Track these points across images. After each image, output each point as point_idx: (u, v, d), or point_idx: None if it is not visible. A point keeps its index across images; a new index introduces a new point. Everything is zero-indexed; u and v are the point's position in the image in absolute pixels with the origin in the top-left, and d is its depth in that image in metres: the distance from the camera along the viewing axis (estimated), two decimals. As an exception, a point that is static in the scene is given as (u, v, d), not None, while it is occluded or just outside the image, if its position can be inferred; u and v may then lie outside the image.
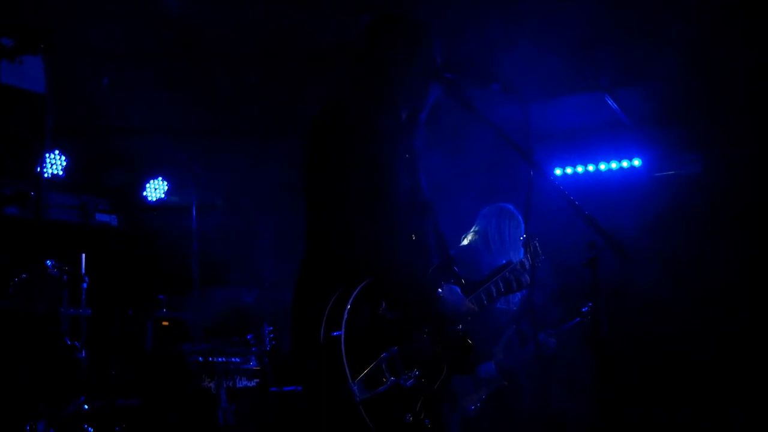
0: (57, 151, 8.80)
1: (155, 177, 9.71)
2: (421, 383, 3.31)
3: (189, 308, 8.28)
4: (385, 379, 3.20)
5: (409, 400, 3.28)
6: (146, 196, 9.73)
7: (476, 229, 5.73)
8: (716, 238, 7.87)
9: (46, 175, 8.57)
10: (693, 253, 7.99)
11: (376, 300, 3.29)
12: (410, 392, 3.27)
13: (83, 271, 7.38)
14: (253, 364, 7.44)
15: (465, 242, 5.72)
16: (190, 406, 7.13)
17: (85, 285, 7.35)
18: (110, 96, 7.48)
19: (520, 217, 5.65)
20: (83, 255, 7.42)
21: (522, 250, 5.52)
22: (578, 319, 5.62)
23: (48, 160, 8.67)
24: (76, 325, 7.26)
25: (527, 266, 3.94)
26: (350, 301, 3.20)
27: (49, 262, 6.86)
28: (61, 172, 8.88)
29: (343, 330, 3.13)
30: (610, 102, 8.01)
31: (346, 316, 3.16)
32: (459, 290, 3.51)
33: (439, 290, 3.39)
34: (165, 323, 8.46)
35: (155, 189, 9.76)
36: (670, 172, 8.52)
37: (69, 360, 6.68)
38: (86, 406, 6.65)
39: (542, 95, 7.87)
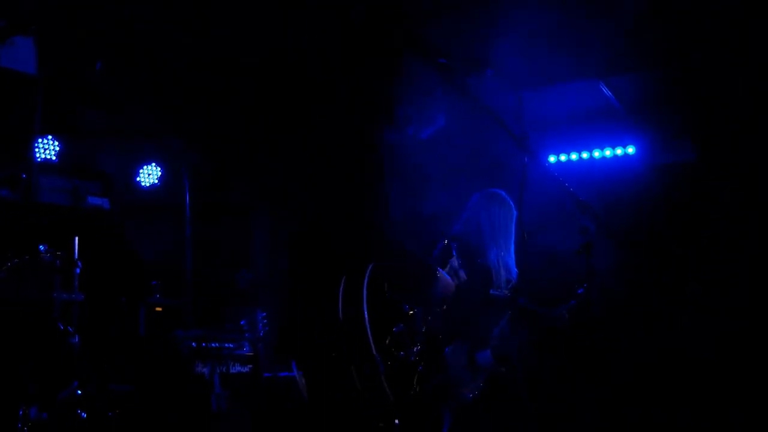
0: (50, 137, 8.77)
1: (149, 163, 9.69)
2: (421, 357, 3.59)
3: (182, 294, 8.28)
4: (395, 353, 3.44)
5: (412, 372, 3.54)
6: (140, 182, 9.71)
7: (467, 216, 5.73)
8: (711, 225, 7.89)
9: (38, 159, 8.53)
10: (687, 241, 8.01)
11: (381, 281, 3.48)
12: (413, 365, 3.55)
13: (76, 255, 7.36)
14: (246, 350, 7.45)
15: (456, 230, 5.72)
16: (184, 392, 7.14)
17: (78, 270, 7.33)
18: (104, 80, 7.46)
19: (511, 204, 5.65)
20: (76, 239, 7.40)
21: (512, 238, 5.56)
22: (574, 301, 5.63)
23: (41, 145, 8.63)
24: (69, 311, 7.25)
25: (456, 265, 4.30)
26: (366, 282, 3.38)
27: (42, 247, 6.84)
28: (54, 157, 8.84)
29: (365, 306, 3.30)
30: (604, 89, 8.02)
31: (365, 293, 3.34)
32: (448, 279, 3.79)
33: (440, 270, 3.66)
34: (158, 309, 8.46)
35: (149, 175, 9.73)
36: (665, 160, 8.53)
37: (62, 345, 6.68)
38: (79, 392, 6.65)
39: (536, 82, 7.87)
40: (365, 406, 3.32)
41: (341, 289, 3.35)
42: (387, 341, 3.42)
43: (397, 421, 3.40)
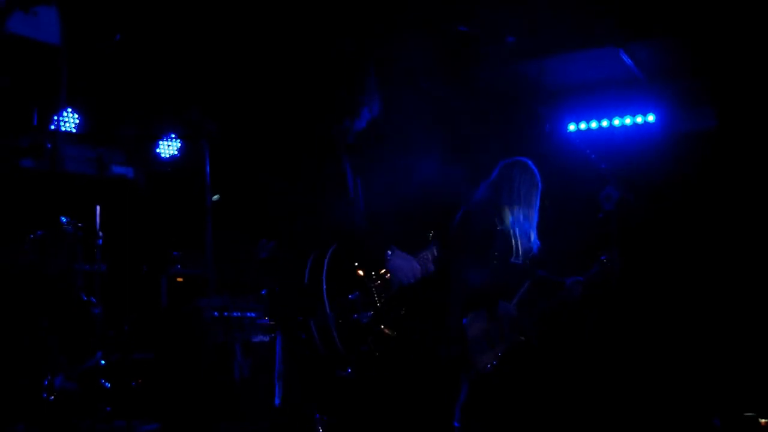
0: (70, 109, 8.79)
1: (168, 134, 9.70)
2: (373, 322, 4.22)
3: (203, 264, 8.30)
4: (349, 315, 4.15)
5: (365, 334, 4.20)
6: (159, 153, 9.73)
7: (489, 183, 5.72)
8: (731, 193, 7.86)
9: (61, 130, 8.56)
10: (708, 209, 7.99)
11: (343, 257, 4.20)
12: (366, 328, 4.20)
13: (98, 226, 7.39)
14: (268, 319, 7.48)
15: (477, 197, 5.71)
16: (206, 361, 7.19)
17: (100, 241, 7.37)
18: (123, 52, 7.47)
19: (536, 172, 5.64)
20: (98, 210, 7.43)
21: (535, 208, 5.56)
22: (596, 268, 5.63)
23: (62, 118, 8.66)
24: (91, 281, 7.30)
25: (430, 257, 4.51)
26: (328, 255, 4.15)
27: (63, 219, 6.87)
28: (74, 129, 8.87)
29: (324, 273, 4.10)
30: (624, 57, 7.96)
31: (326, 264, 4.12)
32: (408, 255, 4.33)
33: (388, 252, 4.26)
34: (179, 279, 8.50)
35: (168, 146, 9.76)
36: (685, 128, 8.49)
37: (85, 316, 6.73)
38: (103, 361, 6.71)
39: (556, 50, 7.83)
40: (322, 356, 4.10)
41: (309, 261, 4.13)
42: (343, 303, 4.14)
43: (349, 370, 4.20)
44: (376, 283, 4.31)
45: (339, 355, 4.11)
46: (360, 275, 4.29)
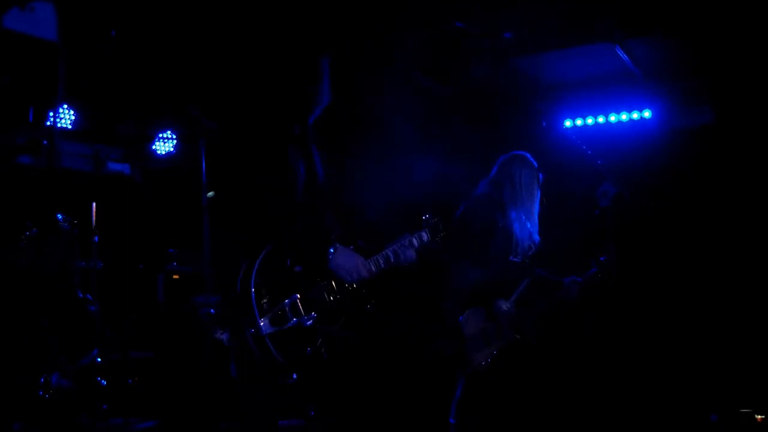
0: (65, 106, 8.77)
1: (165, 131, 9.68)
2: (318, 324, 4.10)
3: (199, 262, 8.29)
4: (288, 319, 4.01)
5: (310, 337, 4.08)
6: (155, 150, 9.71)
7: (491, 177, 5.72)
8: (727, 189, 7.86)
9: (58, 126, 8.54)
10: (704, 205, 7.99)
11: (282, 259, 4.11)
12: (310, 331, 4.07)
13: (94, 223, 7.37)
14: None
15: (479, 191, 5.71)
16: (203, 358, 7.18)
17: (96, 238, 7.35)
18: (119, 48, 7.45)
19: (536, 166, 5.64)
20: (93, 207, 7.40)
21: (536, 202, 5.55)
22: (595, 269, 5.64)
23: (58, 114, 8.63)
24: (87, 279, 7.28)
25: (416, 243, 4.46)
26: (259, 260, 4.03)
27: (59, 216, 6.85)
28: (69, 126, 8.85)
29: (252, 281, 3.98)
30: (621, 53, 7.96)
31: (255, 271, 4.00)
32: (353, 254, 4.23)
33: (331, 250, 4.14)
34: (175, 276, 8.49)
35: (164, 143, 9.73)
36: (681, 125, 8.49)
37: (82, 313, 6.72)
38: (99, 359, 6.70)
39: (552, 46, 7.82)
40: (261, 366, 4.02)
41: (242, 267, 4.03)
42: (278, 308, 4.01)
43: (294, 376, 4.18)
44: (323, 283, 4.19)
45: (278, 363, 4.01)
46: (297, 277, 4.16)
